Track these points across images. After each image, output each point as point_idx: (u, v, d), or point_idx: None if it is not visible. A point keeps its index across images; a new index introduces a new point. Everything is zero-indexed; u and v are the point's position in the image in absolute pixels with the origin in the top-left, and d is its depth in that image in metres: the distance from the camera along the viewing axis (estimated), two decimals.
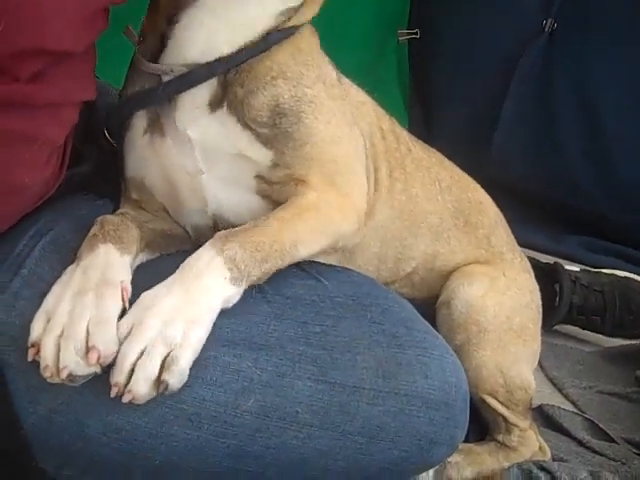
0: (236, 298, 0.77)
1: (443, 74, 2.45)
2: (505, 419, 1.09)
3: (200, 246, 0.79)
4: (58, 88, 0.79)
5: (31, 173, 0.81)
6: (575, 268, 1.66)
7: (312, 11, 0.90)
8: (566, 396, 1.36)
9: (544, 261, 1.65)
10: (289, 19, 0.86)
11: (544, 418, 1.23)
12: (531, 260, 1.61)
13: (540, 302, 1.19)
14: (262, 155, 0.85)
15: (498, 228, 1.18)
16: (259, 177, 0.87)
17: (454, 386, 0.84)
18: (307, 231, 0.82)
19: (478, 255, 1.13)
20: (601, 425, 1.22)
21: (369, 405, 0.80)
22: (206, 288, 0.74)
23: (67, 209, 0.92)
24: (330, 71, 0.92)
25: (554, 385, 1.38)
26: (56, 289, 0.77)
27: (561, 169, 2.25)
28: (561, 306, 1.55)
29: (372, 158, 0.99)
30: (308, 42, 0.89)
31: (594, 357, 1.51)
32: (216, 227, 0.90)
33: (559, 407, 1.26)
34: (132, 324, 0.72)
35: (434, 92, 2.49)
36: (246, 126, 0.84)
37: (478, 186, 1.20)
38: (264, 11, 0.84)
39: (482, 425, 1.12)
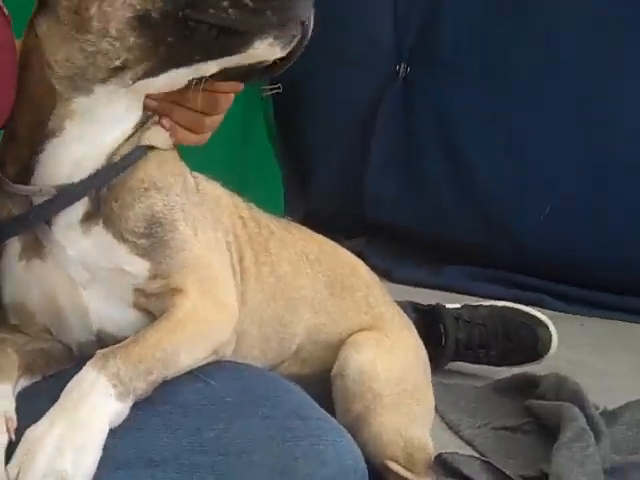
0: (124, 414, 0.76)
1: (309, 125, 2.53)
2: None
3: (81, 366, 0.77)
4: None
5: None
6: (455, 305, 1.74)
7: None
8: (462, 438, 1.41)
9: (425, 303, 1.71)
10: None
11: (445, 467, 1.26)
12: (413, 304, 1.69)
13: (426, 356, 1.22)
14: (140, 267, 0.85)
15: (374, 288, 1.22)
16: (137, 290, 0.87)
17: (352, 469, 0.86)
18: (187, 340, 0.83)
19: (360, 320, 1.16)
20: (498, 465, 1.27)
21: None
22: (91, 410, 0.73)
23: None
24: (189, 178, 0.95)
25: (451, 429, 1.43)
26: None
27: (431, 202, 2.38)
28: (448, 344, 1.62)
29: (236, 249, 1.02)
30: (171, 152, 0.92)
31: (486, 391, 1.58)
32: (100, 342, 0.89)
33: (457, 453, 1.29)
34: (21, 462, 0.70)
35: (303, 143, 2.56)
36: (122, 239, 0.84)
37: (346, 251, 1.24)
38: (128, 133, 0.86)
39: None
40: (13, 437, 0.73)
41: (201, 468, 0.78)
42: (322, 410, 0.90)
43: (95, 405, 0.73)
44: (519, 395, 1.55)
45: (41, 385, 0.87)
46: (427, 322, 1.63)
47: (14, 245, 0.86)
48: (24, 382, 0.85)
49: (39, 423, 0.72)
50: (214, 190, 1.04)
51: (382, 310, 1.19)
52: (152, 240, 0.85)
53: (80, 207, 0.84)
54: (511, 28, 2.22)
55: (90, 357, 0.78)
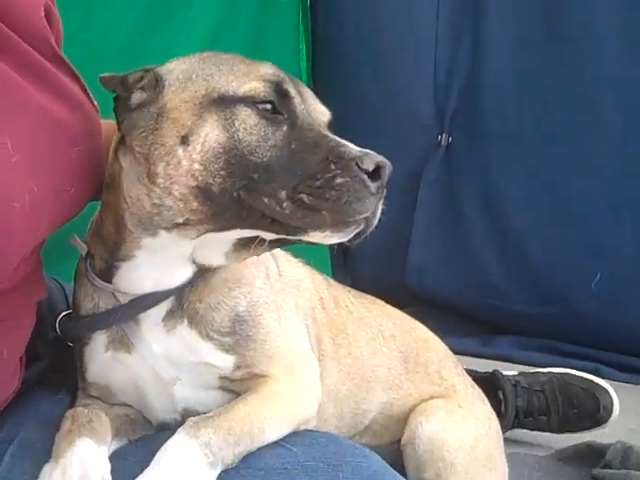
0: None
1: None
2: None
3: (165, 433, 0.83)
4: (17, 298, 0.83)
5: (1, 388, 0.83)
6: (513, 372, 1.75)
7: None
8: None
9: (482, 371, 1.73)
10: None
11: None
12: (469, 372, 1.70)
13: (499, 427, 1.26)
14: (225, 361, 0.91)
15: (447, 361, 1.26)
16: (222, 377, 0.93)
17: None
18: (273, 417, 0.88)
19: (432, 392, 1.20)
20: None
21: None
22: (184, 476, 0.77)
23: (28, 409, 0.96)
24: (272, 265, 1.00)
25: None
26: None
27: (476, 271, 2.39)
28: (508, 412, 1.64)
29: (315, 333, 1.07)
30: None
31: (549, 461, 1.58)
32: (183, 419, 0.93)
33: None
34: None
35: None
36: (208, 337, 0.91)
37: (420, 324, 1.28)
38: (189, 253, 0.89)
39: None
40: None
41: None
42: (399, 476, 0.93)
43: (188, 472, 0.78)
44: (583, 464, 1.56)
45: (128, 448, 0.92)
46: (485, 389, 1.63)
47: (100, 336, 0.93)
48: (114, 445, 0.91)
49: None
50: (295, 272, 1.09)
51: (455, 382, 1.24)
52: (237, 337, 0.91)
53: (163, 306, 0.90)
54: (554, 90, 2.22)
55: (169, 428, 0.85)
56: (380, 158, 0.77)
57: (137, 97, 0.84)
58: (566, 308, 2.23)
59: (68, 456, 0.82)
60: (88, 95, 0.91)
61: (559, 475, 1.53)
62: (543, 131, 2.26)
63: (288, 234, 0.80)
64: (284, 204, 0.77)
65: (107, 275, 0.91)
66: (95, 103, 0.94)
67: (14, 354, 0.87)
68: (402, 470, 1.09)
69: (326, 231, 0.78)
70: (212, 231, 0.83)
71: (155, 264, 0.88)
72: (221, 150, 0.79)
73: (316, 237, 0.79)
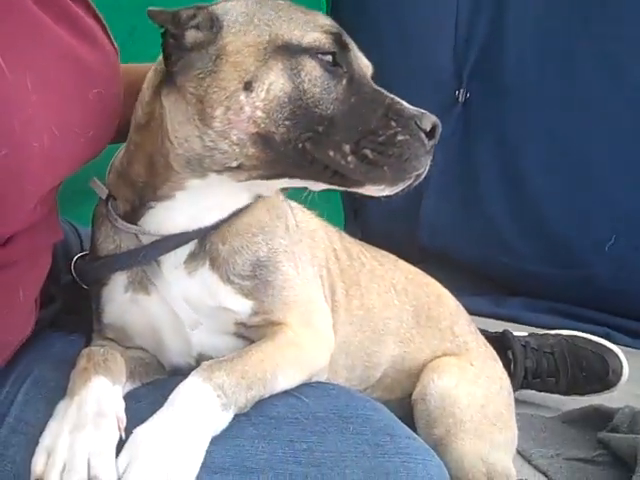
0: (225, 424, 0.81)
1: None
2: None
3: (178, 377, 0.83)
4: (33, 239, 0.83)
5: (17, 328, 0.84)
6: (523, 333, 1.75)
7: None
8: (536, 467, 1.43)
9: (492, 330, 1.73)
10: None
11: None
12: (480, 331, 1.71)
13: (511, 388, 1.26)
14: (243, 306, 0.92)
15: (460, 318, 1.26)
16: (238, 323, 0.93)
17: None
18: (287, 364, 0.89)
19: (444, 348, 1.21)
20: None
21: None
22: (197, 417, 0.78)
23: (42, 349, 0.97)
24: (291, 217, 1.01)
25: (523, 457, 1.44)
26: (52, 425, 0.80)
27: (489, 230, 2.38)
28: (517, 372, 1.64)
29: (328, 283, 1.08)
30: (278, 195, 0.98)
31: (555, 423, 1.59)
32: (197, 364, 0.94)
33: None
34: (129, 460, 0.75)
35: None
36: (228, 281, 0.91)
37: (433, 280, 1.28)
38: (234, 195, 0.91)
39: None
40: (123, 435, 0.79)
41: (295, 478, 0.82)
42: (409, 429, 0.94)
43: (201, 412, 0.79)
44: (589, 427, 1.57)
45: (141, 391, 0.93)
46: (495, 349, 1.64)
47: (120, 277, 0.93)
48: (127, 387, 0.92)
49: (147, 424, 0.78)
50: (309, 223, 1.10)
51: (467, 339, 1.24)
52: (256, 281, 0.92)
53: (186, 248, 0.90)
54: (575, 50, 2.19)
55: (182, 372, 0.85)
56: (435, 118, 0.81)
57: (192, 36, 0.83)
58: (579, 270, 2.23)
59: (83, 393, 0.82)
60: (109, 36, 0.89)
61: (565, 437, 1.54)
62: (563, 91, 2.23)
63: (346, 187, 0.83)
64: (348, 158, 0.79)
65: (132, 216, 0.91)
66: (116, 45, 0.91)
67: (30, 295, 0.87)
68: (411, 425, 1.09)
69: (382, 185, 0.80)
70: (263, 178, 0.84)
71: (194, 204, 0.88)
72: (286, 100, 0.79)
73: (371, 190, 0.82)
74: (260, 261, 0.92)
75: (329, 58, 0.82)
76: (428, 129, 0.80)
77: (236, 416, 0.83)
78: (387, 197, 0.84)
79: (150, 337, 0.96)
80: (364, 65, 0.88)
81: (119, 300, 0.94)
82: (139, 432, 0.77)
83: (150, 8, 0.83)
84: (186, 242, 0.89)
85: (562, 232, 2.26)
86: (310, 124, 0.80)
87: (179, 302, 0.90)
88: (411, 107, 0.81)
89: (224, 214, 0.90)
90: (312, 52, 0.82)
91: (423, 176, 0.82)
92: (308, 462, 0.84)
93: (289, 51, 0.81)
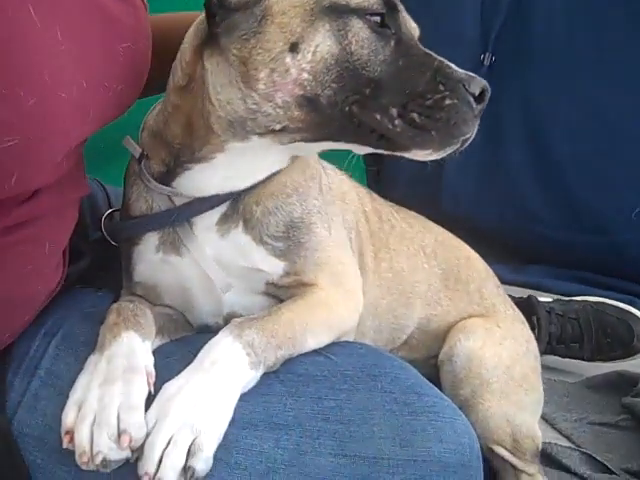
0: (254, 382, 0.83)
1: None
2: (514, 466, 1.15)
3: (207, 335, 0.85)
4: (60, 193, 0.83)
5: (44, 281, 0.85)
6: (548, 299, 1.76)
7: None
8: (559, 431, 1.44)
9: (517, 296, 1.73)
10: None
11: (544, 456, 1.29)
12: None
13: (537, 349, 1.27)
14: (276, 267, 0.93)
15: (488, 281, 1.26)
16: (269, 283, 0.94)
17: (468, 447, 0.90)
18: (316, 324, 0.90)
19: (471, 310, 1.21)
20: (599, 458, 1.29)
21: (390, 474, 0.84)
22: (226, 374, 0.80)
23: (71, 304, 0.98)
24: (324, 178, 1.01)
25: (546, 421, 1.45)
26: (83, 379, 0.82)
27: (513, 197, 2.35)
28: (541, 337, 1.64)
29: (357, 245, 1.08)
30: (312, 157, 0.98)
31: (579, 388, 1.60)
32: (226, 323, 0.95)
33: (556, 444, 1.33)
34: (158, 415, 0.77)
35: None
36: (261, 242, 0.91)
37: (463, 243, 1.28)
38: (275, 157, 0.91)
39: (491, 472, 1.18)
40: (152, 390, 0.80)
41: (323, 434, 0.84)
42: (437, 389, 0.95)
43: (230, 369, 0.80)
44: (612, 392, 1.57)
45: (170, 347, 0.95)
46: None
47: (151, 237, 0.94)
48: (156, 342, 0.93)
49: (176, 380, 0.79)
50: (341, 185, 1.10)
51: (495, 302, 1.24)
52: (289, 243, 0.92)
53: (219, 209, 0.91)
54: (605, 15, 2.14)
55: (210, 330, 0.87)
56: (484, 82, 0.80)
57: None
58: (604, 238, 2.20)
59: (113, 348, 0.84)
60: None
61: (587, 402, 1.54)
62: (591, 56, 2.18)
63: (392, 150, 0.81)
64: (395, 121, 0.77)
65: (166, 177, 0.91)
66: (145, 1, 0.91)
67: (56, 248, 0.88)
68: (437, 385, 1.10)
69: (429, 149, 0.80)
70: (306, 140, 0.83)
71: (232, 167, 0.88)
72: (333, 62, 0.78)
73: (418, 155, 0.81)
74: (294, 222, 0.92)
75: (377, 19, 0.81)
76: (477, 93, 0.79)
77: (264, 374, 0.84)
78: (434, 162, 0.84)
79: (180, 297, 0.97)
80: (412, 27, 0.87)
81: (150, 260, 0.94)
82: (168, 387, 0.79)
83: None
84: (219, 204, 0.90)
85: (588, 199, 2.23)
86: (357, 86, 0.78)
87: (211, 264, 0.91)
88: (460, 70, 0.80)
89: (261, 176, 0.90)
90: (360, 13, 0.80)
91: (470, 140, 0.81)
92: (336, 419, 0.85)
93: (337, 12, 0.79)
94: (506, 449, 1.12)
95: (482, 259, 1.29)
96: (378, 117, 0.78)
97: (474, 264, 1.27)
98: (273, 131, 0.83)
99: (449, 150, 0.81)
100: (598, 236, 2.22)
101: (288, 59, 0.78)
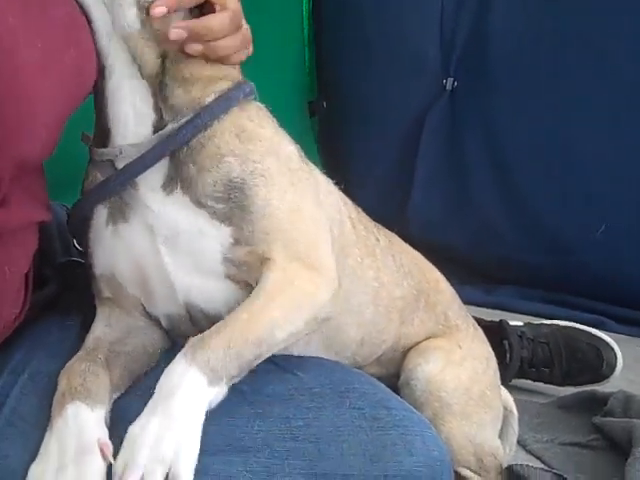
0: (220, 396, 0.82)
1: (355, 141, 2.60)
2: None
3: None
4: (20, 213, 0.85)
5: (5, 306, 0.85)
6: (518, 323, 1.78)
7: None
8: (530, 452, 1.45)
9: (488, 319, 1.75)
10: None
11: (516, 479, 1.30)
12: (476, 319, 1.72)
13: (496, 366, 1.28)
14: (221, 232, 0.90)
15: (454, 303, 1.29)
16: (226, 260, 0.91)
17: (438, 460, 0.91)
18: (281, 315, 0.86)
19: (436, 330, 1.23)
20: (570, 478, 1.30)
21: None
22: (186, 400, 0.79)
23: (38, 336, 0.98)
24: (286, 147, 0.97)
25: (518, 443, 1.46)
26: (36, 469, 0.80)
27: (479, 220, 2.40)
28: (513, 362, 1.66)
29: (341, 245, 1.05)
30: (252, 120, 0.95)
31: (550, 408, 1.62)
32: (191, 317, 0.95)
33: (527, 465, 1.33)
34: (126, 459, 0.76)
35: (348, 159, 2.61)
36: (200, 204, 0.90)
37: (432, 266, 1.30)
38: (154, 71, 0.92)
39: None
40: (112, 460, 0.78)
41: (292, 454, 0.84)
42: (406, 403, 0.97)
43: (189, 394, 0.79)
44: (584, 412, 1.59)
45: (133, 385, 0.94)
46: (491, 338, 1.66)
47: (101, 211, 0.95)
48: (114, 397, 0.91)
49: (139, 420, 0.79)
50: (328, 185, 1.09)
51: (458, 322, 1.27)
52: (231, 205, 0.89)
53: (161, 170, 0.91)
54: (560, 39, 2.21)
55: (180, 333, 0.91)
56: None
57: None
58: (570, 258, 2.25)
59: (61, 426, 0.82)
60: None
61: (559, 422, 1.56)
62: (549, 81, 2.25)
63: None
64: None
65: (104, 142, 0.93)
66: None
67: (17, 273, 0.88)
68: None
69: None
70: None
71: (120, 90, 0.91)
72: None
73: None
74: (232, 182, 0.89)
75: None
76: None
77: (231, 395, 0.83)
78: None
79: (137, 282, 0.95)
80: None
81: (103, 237, 0.94)
82: (131, 430, 0.78)
83: None
84: (156, 159, 0.90)
85: (552, 221, 2.28)
86: None
87: (156, 221, 0.91)
88: None
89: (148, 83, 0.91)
90: None
91: None
92: (305, 438, 0.86)
93: None
94: (471, 470, 1.13)
95: (447, 282, 1.31)
96: None
97: (442, 287, 1.29)
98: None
99: None
100: (565, 256, 2.26)
101: None
